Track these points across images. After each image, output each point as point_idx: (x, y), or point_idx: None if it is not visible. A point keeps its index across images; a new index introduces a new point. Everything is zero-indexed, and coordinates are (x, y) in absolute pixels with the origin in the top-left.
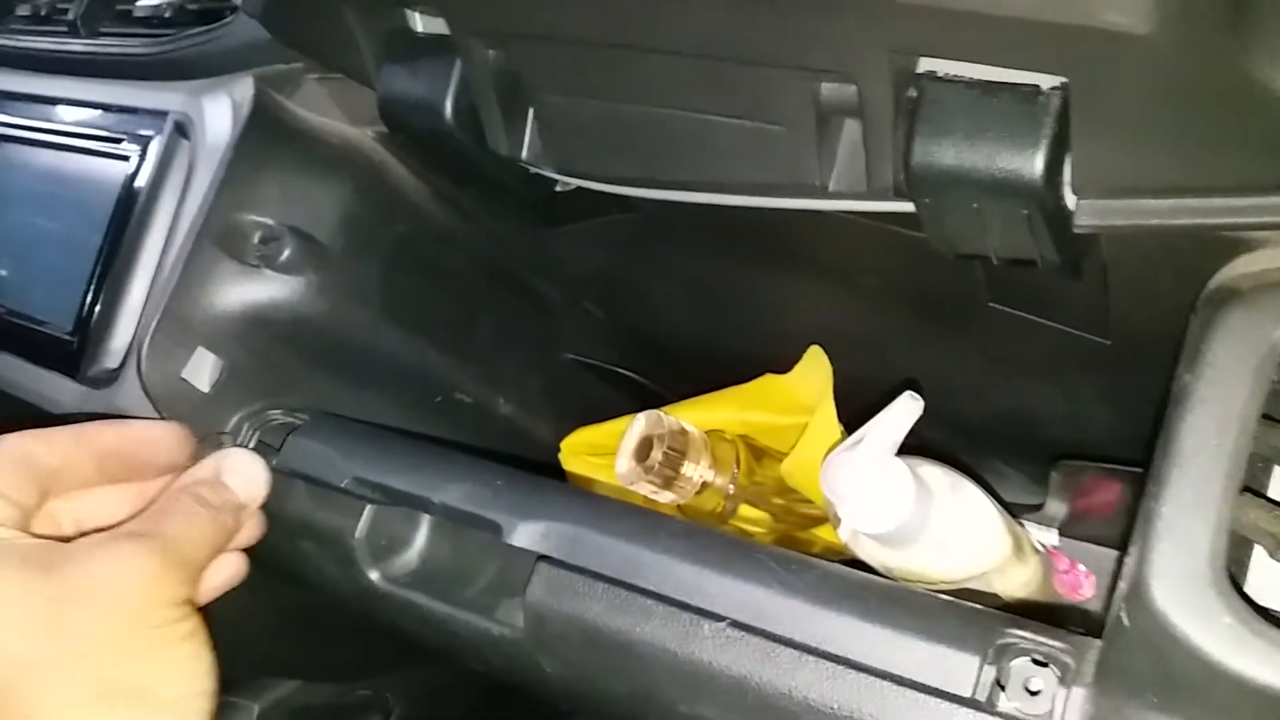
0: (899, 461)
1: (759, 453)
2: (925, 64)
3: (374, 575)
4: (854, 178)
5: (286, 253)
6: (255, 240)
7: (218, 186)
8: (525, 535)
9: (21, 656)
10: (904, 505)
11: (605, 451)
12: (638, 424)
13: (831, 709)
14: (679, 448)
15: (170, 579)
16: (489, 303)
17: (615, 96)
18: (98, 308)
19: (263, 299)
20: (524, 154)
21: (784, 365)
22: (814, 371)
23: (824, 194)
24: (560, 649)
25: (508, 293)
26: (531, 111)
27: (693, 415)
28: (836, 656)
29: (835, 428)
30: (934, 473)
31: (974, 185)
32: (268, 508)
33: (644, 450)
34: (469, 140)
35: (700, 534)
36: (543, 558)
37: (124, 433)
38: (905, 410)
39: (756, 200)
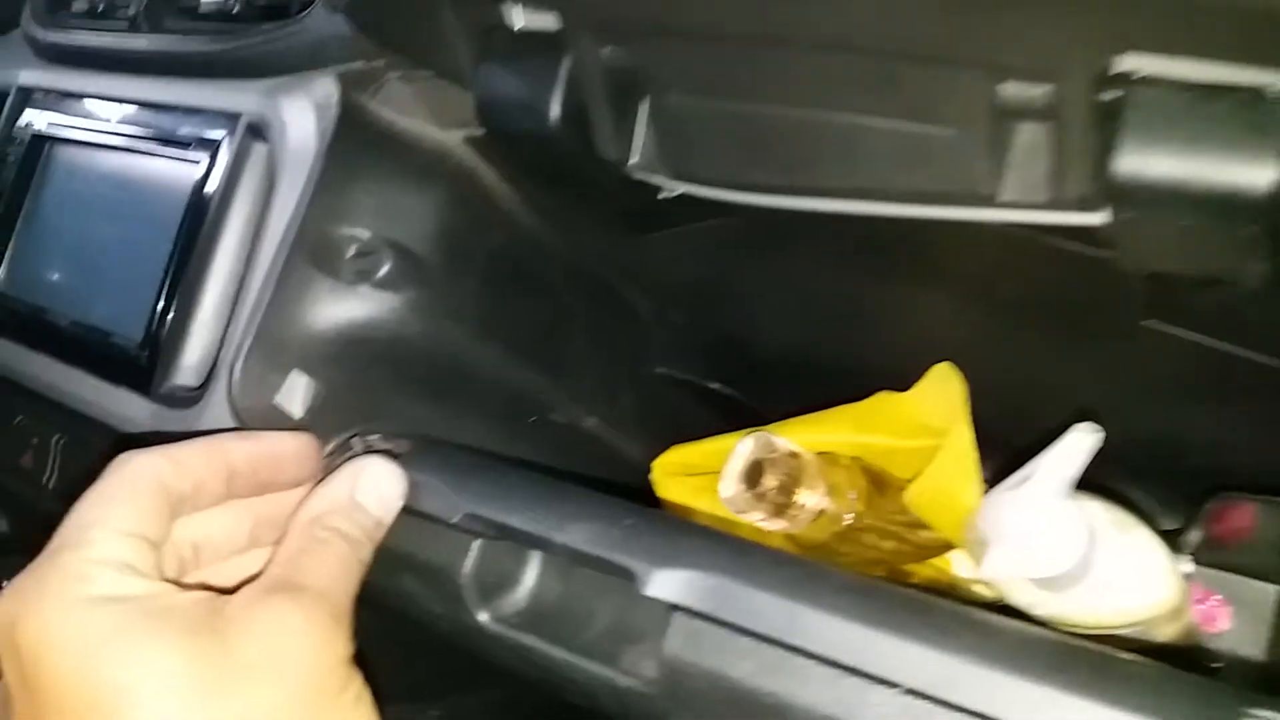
0: (1069, 502)
1: (875, 477)
2: (1127, 62)
3: (483, 616)
4: (1029, 187)
5: (385, 268)
6: (350, 254)
7: (309, 197)
8: (663, 583)
9: None
10: (1074, 550)
11: (699, 472)
12: (745, 446)
13: None
14: (792, 473)
15: (339, 639)
16: (579, 315)
17: (751, 96)
18: (169, 320)
19: (359, 318)
20: (634, 159)
21: (896, 382)
22: (941, 390)
23: (992, 204)
24: (700, 708)
25: (597, 304)
26: (645, 114)
27: (802, 435)
28: None
29: (971, 452)
30: (1097, 510)
31: (1190, 199)
32: None
33: (753, 475)
34: (574, 144)
35: (869, 588)
36: (677, 607)
37: (256, 449)
38: (1081, 445)
39: (909, 210)
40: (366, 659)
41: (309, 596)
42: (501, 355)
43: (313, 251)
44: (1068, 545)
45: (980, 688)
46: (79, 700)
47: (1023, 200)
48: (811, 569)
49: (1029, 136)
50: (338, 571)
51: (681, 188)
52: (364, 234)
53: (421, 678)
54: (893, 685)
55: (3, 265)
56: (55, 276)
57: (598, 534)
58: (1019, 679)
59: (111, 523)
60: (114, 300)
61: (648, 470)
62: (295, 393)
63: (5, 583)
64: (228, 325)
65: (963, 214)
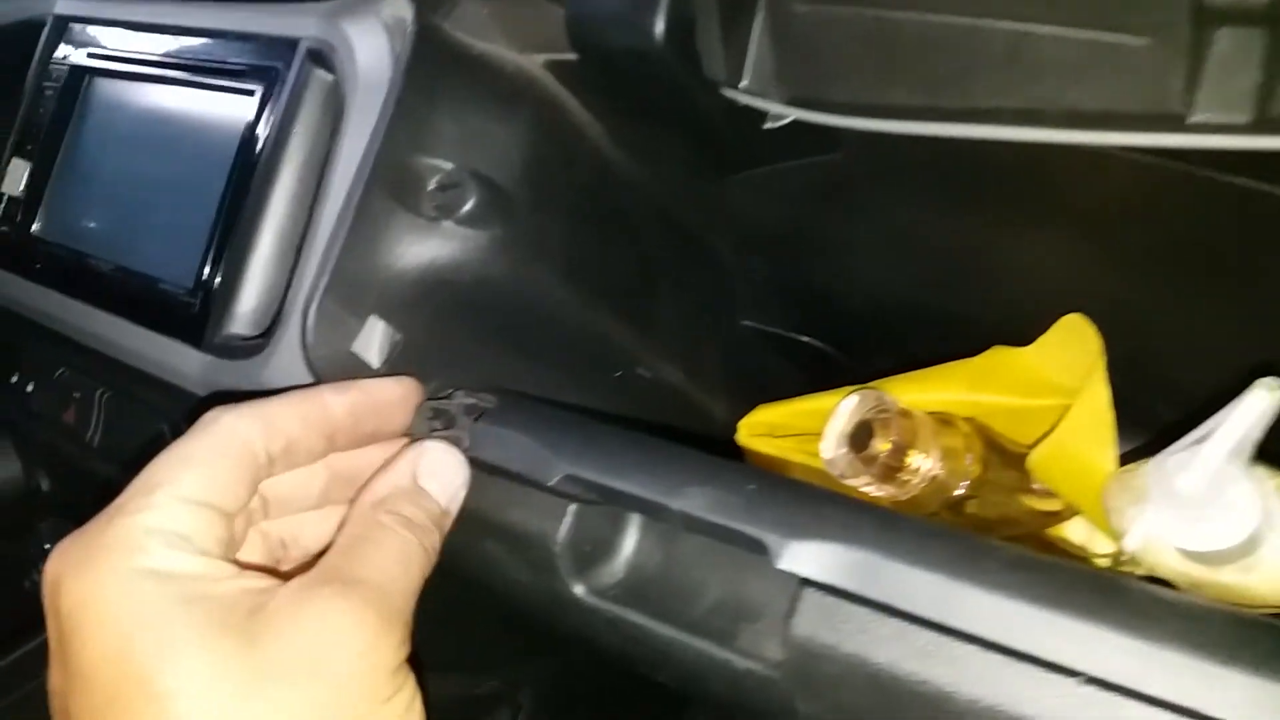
0: (1247, 468)
1: (990, 440)
2: None
3: (578, 588)
4: (1227, 105)
5: (470, 202)
6: (432, 187)
7: (387, 124)
8: (799, 556)
9: None
10: (1249, 521)
11: (788, 433)
12: (849, 404)
13: None
14: (905, 434)
15: (389, 641)
16: (663, 262)
17: (891, 2)
18: (222, 265)
19: (442, 257)
20: (745, 80)
21: (1008, 337)
22: (1071, 344)
23: (1181, 127)
24: (833, 695)
25: (682, 251)
26: (761, 26)
27: (908, 393)
28: None
29: (1108, 412)
30: (1264, 477)
31: None
32: None
33: (860, 436)
34: (677, 64)
35: (1041, 564)
36: (807, 582)
37: (358, 399)
38: (1263, 404)
39: (1080, 136)
40: (420, 628)
41: (361, 593)
42: (588, 303)
43: (391, 184)
44: (1244, 516)
45: (1183, 677)
46: (106, 682)
47: (1217, 121)
48: (971, 543)
49: (1233, 44)
50: (398, 563)
51: (794, 114)
52: (446, 165)
53: (479, 647)
54: (1073, 674)
55: (41, 208)
56: (97, 220)
57: (718, 500)
58: (1231, 671)
59: (180, 487)
60: (161, 244)
61: (733, 429)
62: (373, 339)
63: (47, 545)
64: (293, 269)
65: (1147, 140)
